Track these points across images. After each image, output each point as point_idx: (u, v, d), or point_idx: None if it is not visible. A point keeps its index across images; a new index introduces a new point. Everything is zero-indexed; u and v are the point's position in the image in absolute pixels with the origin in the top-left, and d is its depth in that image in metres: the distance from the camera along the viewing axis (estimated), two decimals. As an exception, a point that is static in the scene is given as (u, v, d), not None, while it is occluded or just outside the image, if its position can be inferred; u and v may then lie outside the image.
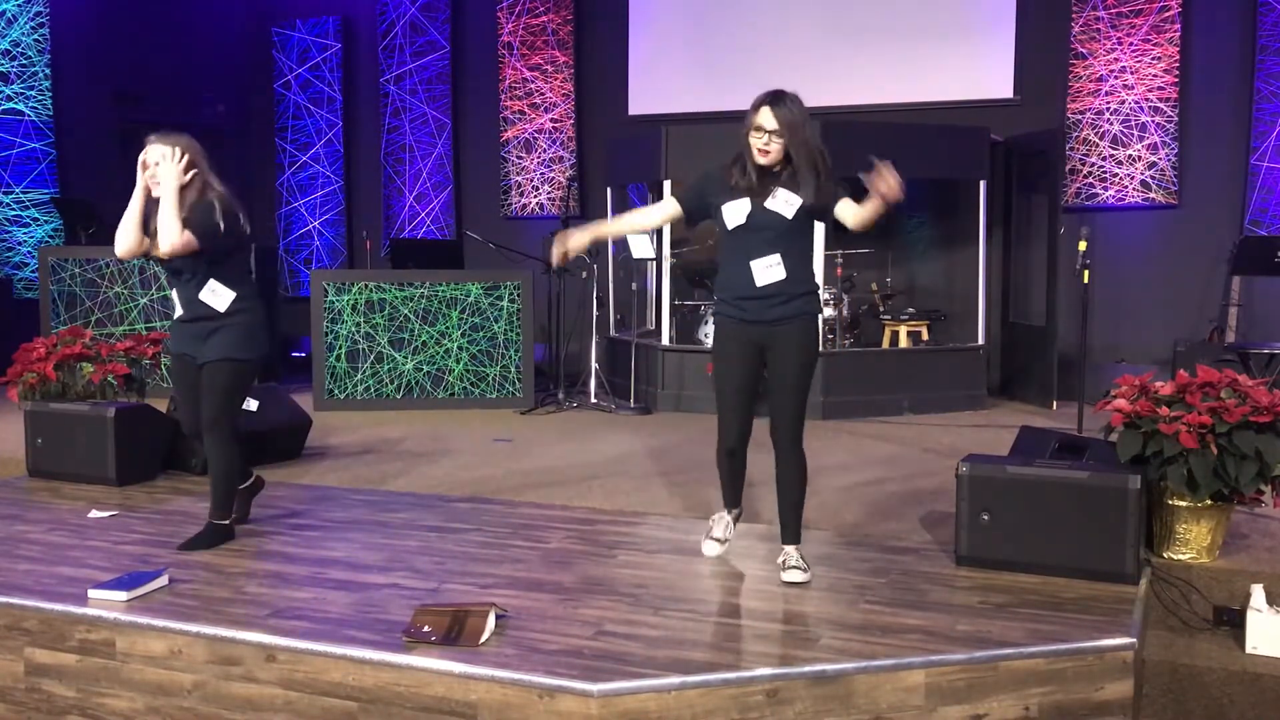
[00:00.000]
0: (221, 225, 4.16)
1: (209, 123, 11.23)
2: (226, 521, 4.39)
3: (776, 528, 4.01)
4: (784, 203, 3.77)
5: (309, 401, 7.57)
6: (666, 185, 7.99)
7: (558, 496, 5.22)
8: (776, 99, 3.74)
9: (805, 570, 3.81)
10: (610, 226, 4.39)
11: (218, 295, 4.23)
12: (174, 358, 4.45)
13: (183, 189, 4.13)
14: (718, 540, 4.13)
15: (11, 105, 9.90)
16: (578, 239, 3.99)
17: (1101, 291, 8.23)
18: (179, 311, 4.32)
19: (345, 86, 11.40)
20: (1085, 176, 8.75)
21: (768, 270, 3.79)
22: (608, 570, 4.01)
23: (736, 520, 4.21)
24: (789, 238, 3.81)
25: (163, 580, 3.79)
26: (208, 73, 11.37)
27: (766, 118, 3.72)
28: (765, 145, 3.73)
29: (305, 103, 11.48)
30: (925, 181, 8.84)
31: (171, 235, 4.05)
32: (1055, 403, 7.97)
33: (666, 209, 4.10)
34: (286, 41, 11.55)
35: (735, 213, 3.81)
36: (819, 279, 7.60)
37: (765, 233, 3.78)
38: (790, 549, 3.89)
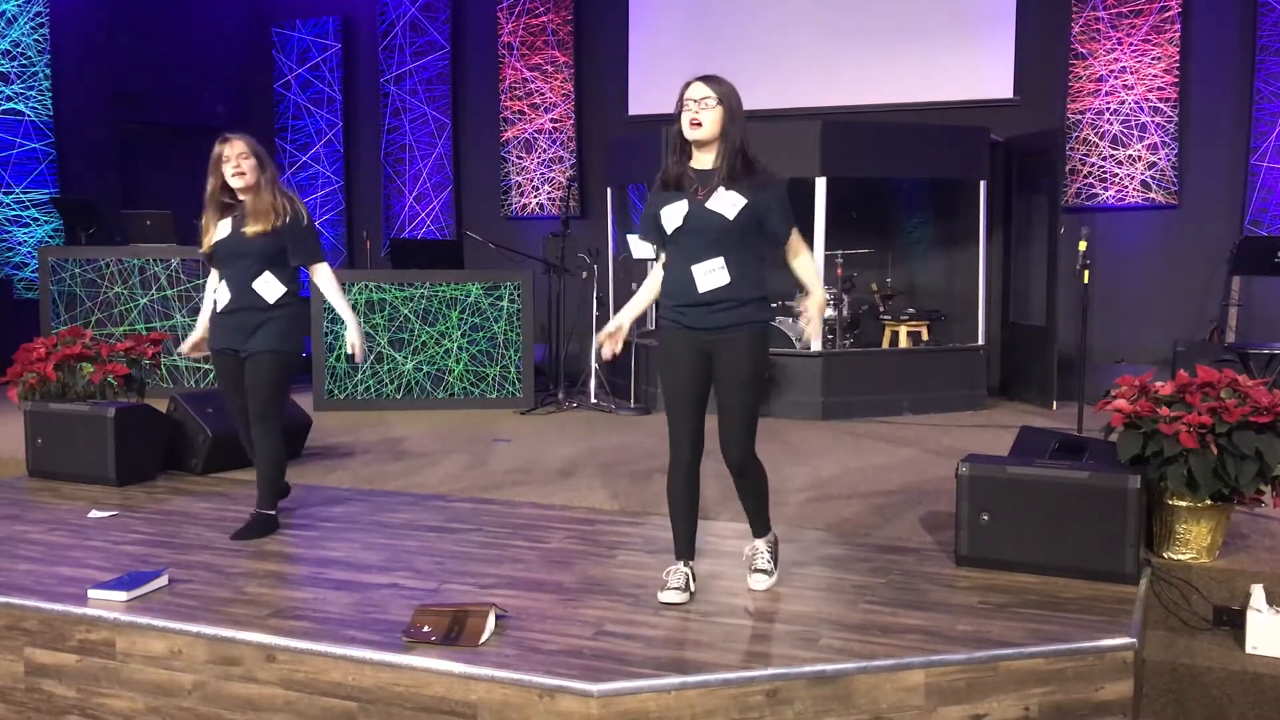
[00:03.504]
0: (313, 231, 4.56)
1: (209, 123, 11.23)
2: (274, 512, 4.55)
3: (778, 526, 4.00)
4: (727, 203, 3.53)
5: (309, 402, 7.57)
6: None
7: (558, 496, 5.22)
8: (707, 76, 3.60)
9: (770, 574, 3.76)
10: (635, 307, 3.87)
11: (269, 287, 4.40)
12: (215, 354, 4.56)
13: (258, 193, 4.41)
14: (677, 589, 3.67)
15: (11, 105, 9.90)
16: (615, 334, 3.77)
17: (1101, 291, 8.23)
18: (224, 302, 4.45)
19: (345, 86, 11.39)
20: (1085, 176, 8.74)
21: (710, 275, 3.55)
22: (608, 570, 4.01)
23: (694, 578, 3.74)
24: (732, 240, 3.55)
25: (163, 580, 3.79)
26: (208, 73, 11.37)
27: (696, 89, 3.57)
28: (696, 115, 3.54)
29: (305, 103, 11.48)
30: (925, 181, 8.85)
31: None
32: (1055, 403, 7.97)
33: (659, 261, 3.81)
34: (286, 41, 11.55)
35: (673, 215, 3.59)
36: (820, 276, 7.65)
37: (706, 234, 3.55)
38: (759, 542, 3.81)
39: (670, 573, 3.73)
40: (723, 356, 3.60)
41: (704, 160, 3.62)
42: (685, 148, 3.63)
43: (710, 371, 3.64)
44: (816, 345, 3.69)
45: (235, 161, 4.36)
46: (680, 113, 3.60)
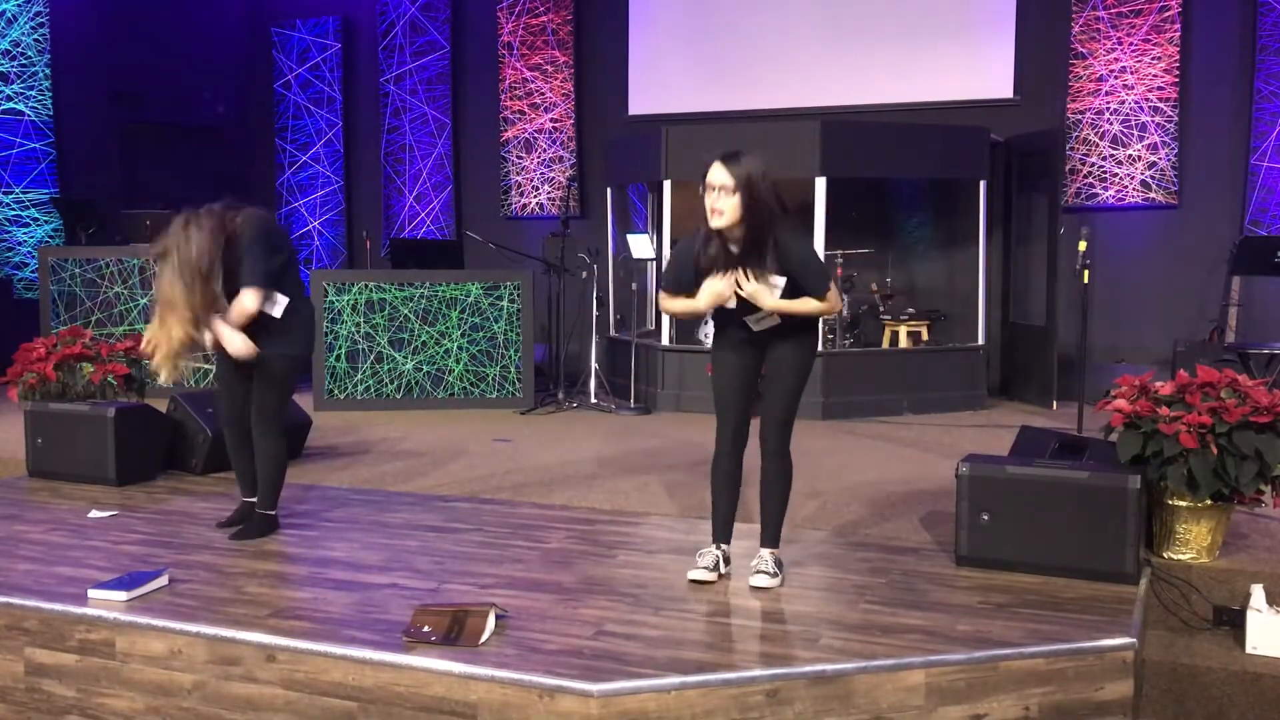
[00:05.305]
0: (270, 263, 4.24)
1: (209, 123, 11.24)
2: (274, 512, 4.54)
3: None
4: (766, 288, 3.65)
5: (309, 401, 7.57)
6: (666, 185, 7.99)
7: (558, 496, 5.22)
8: (728, 155, 3.60)
9: (774, 575, 3.79)
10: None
11: (275, 304, 4.33)
12: (223, 351, 4.45)
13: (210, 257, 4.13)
14: (705, 568, 3.85)
15: (11, 105, 9.90)
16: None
17: (1101, 291, 8.23)
18: None
19: (345, 86, 11.39)
20: (1085, 176, 8.74)
21: (762, 321, 3.76)
22: (608, 570, 4.01)
23: (727, 562, 3.92)
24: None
25: (163, 580, 3.79)
26: (208, 73, 11.37)
27: (714, 174, 3.57)
28: (716, 203, 3.56)
29: (305, 103, 11.48)
30: (925, 181, 8.85)
31: (245, 311, 4.17)
32: (1055, 403, 7.97)
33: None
34: (286, 41, 11.55)
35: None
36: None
37: (754, 307, 3.70)
38: (765, 552, 3.86)
39: (702, 554, 3.91)
40: (774, 351, 3.80)
41: (734, 236, 3.63)
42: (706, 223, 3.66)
43: (760, 362, 3.82)
44: (767, 302, 3.71)
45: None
46: (704, 195, 3.61)
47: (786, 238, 3.65)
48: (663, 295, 3.94)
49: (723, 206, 3.56)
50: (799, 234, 3.76)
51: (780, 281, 3.67)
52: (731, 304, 3.73)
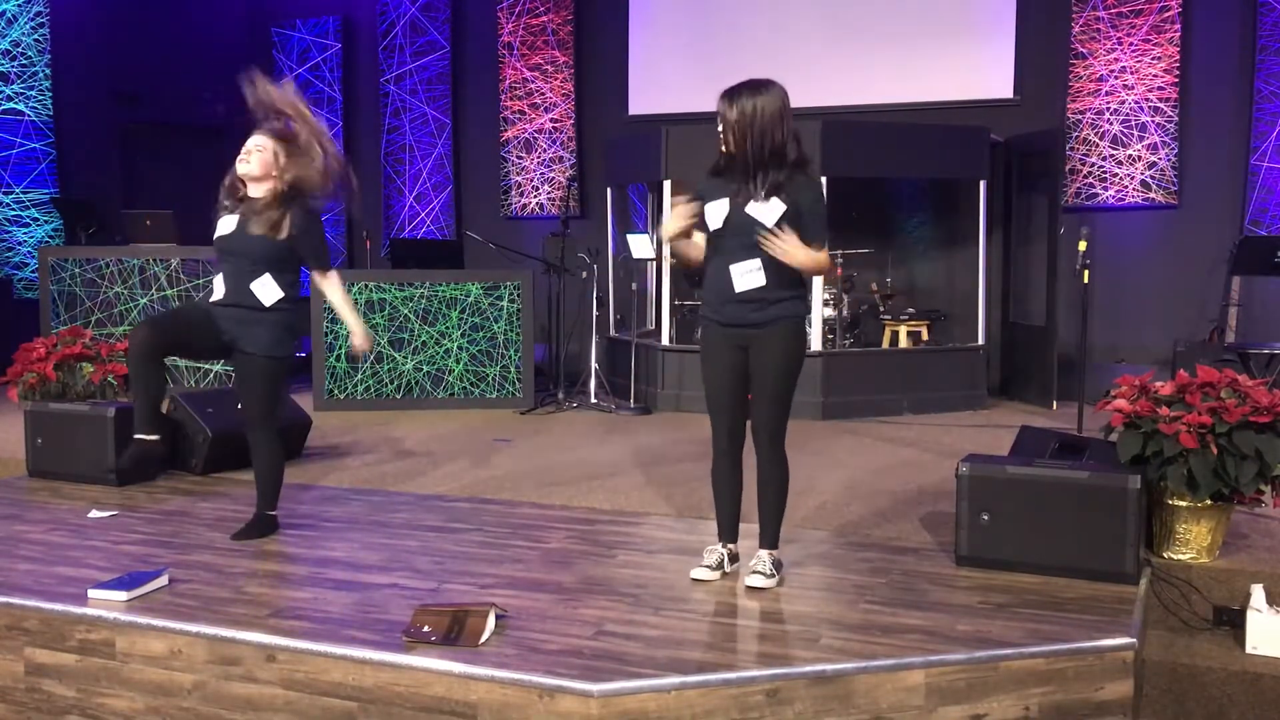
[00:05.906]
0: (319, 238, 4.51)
1: (209, 123, 11.23)
2: (275, 512, 4.54)
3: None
4: (765, 210, 3.63)
5: (309, 401, 7.57)
6: (666, 185, 7.99)
7: (558, 496, 5.22)
8: (734, 90, 3.67)
9: (770, 576, 3.77)
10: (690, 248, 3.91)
11: (266, 290, 4.29)
12: (205, 303, 4.46)
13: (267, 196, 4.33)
14: (708, 568, 3.87)
15: (11, 105, 9.90)
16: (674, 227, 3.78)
17: (1101, 291, 8.23)
18: (219, 295, 4.35)
19: (345, 86, 11.39)
20: (1085, 176, 8.74)
21: (746, 276, 3.67)
22: (608, 570, 4.01)
23: (734, 560, 3.93)
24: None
25: (163, 580, 3.79)
26: (208, 73, 11.35)
27: (721, 105, 3.67)
28: (722, 134, 3.67)
29: (305, 103, 11.47)
30: (925, 181, 8.85)
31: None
32: (1055, 403, 7.97)
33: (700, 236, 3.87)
34: (286, 41, 11.55)
35: (715, 214, 3.71)
36: (818, 280, 7.66)
37: (744, 237, 3.65)
38: (763, 553, 3.84)
39: (709, 551, 3.93)
40: (758, 349, 3.74)
41: (744, 164, 3.68)
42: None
43: (747, 364, 3.77)
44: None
45: (245, 148, 4.35)
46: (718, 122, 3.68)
47: (803, 180, 3.69)
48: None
49: (728, 137, 3.65)
50: (815, 181, 3.80)
51: (779, 207, 3.64)
52: (715, 225, 3.68)
